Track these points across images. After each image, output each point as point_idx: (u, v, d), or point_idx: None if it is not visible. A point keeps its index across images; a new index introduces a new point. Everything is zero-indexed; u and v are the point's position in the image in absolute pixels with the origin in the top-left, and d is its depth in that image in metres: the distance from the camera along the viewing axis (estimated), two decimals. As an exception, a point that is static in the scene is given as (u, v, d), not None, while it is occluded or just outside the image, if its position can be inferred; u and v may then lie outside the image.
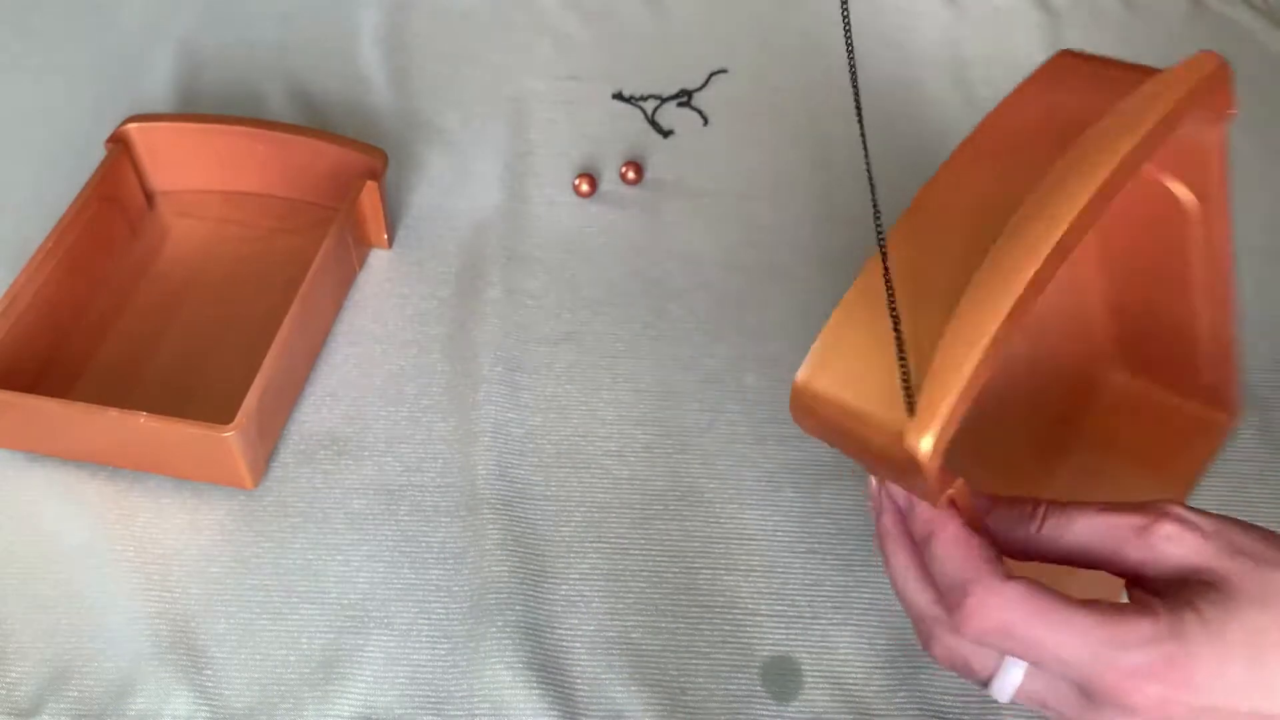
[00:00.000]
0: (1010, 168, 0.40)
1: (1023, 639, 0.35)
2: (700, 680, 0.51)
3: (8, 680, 0.51)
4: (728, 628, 0.53)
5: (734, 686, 0.51)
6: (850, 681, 0.51)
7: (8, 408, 0.55)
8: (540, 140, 0.75)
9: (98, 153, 0.66)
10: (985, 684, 0.38)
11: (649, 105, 0.77)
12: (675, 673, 0.51)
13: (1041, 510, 0.39)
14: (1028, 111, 0.42)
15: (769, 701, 0.51)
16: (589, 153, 0.74)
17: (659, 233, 0.69)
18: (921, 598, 0.39)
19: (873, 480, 0.42)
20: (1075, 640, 0.35)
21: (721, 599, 0.54)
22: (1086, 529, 0.38)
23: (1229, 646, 0.34)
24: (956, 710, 0.50)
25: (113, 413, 0.54)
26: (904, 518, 0.41)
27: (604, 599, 0.54)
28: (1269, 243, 0.70)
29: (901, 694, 0.51)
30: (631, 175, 0.72)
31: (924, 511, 0.39)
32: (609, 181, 0.72)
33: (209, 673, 0.51)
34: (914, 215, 0.40)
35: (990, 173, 0.41)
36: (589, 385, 0.62)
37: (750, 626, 0.53)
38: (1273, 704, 0.34)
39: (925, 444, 0.35)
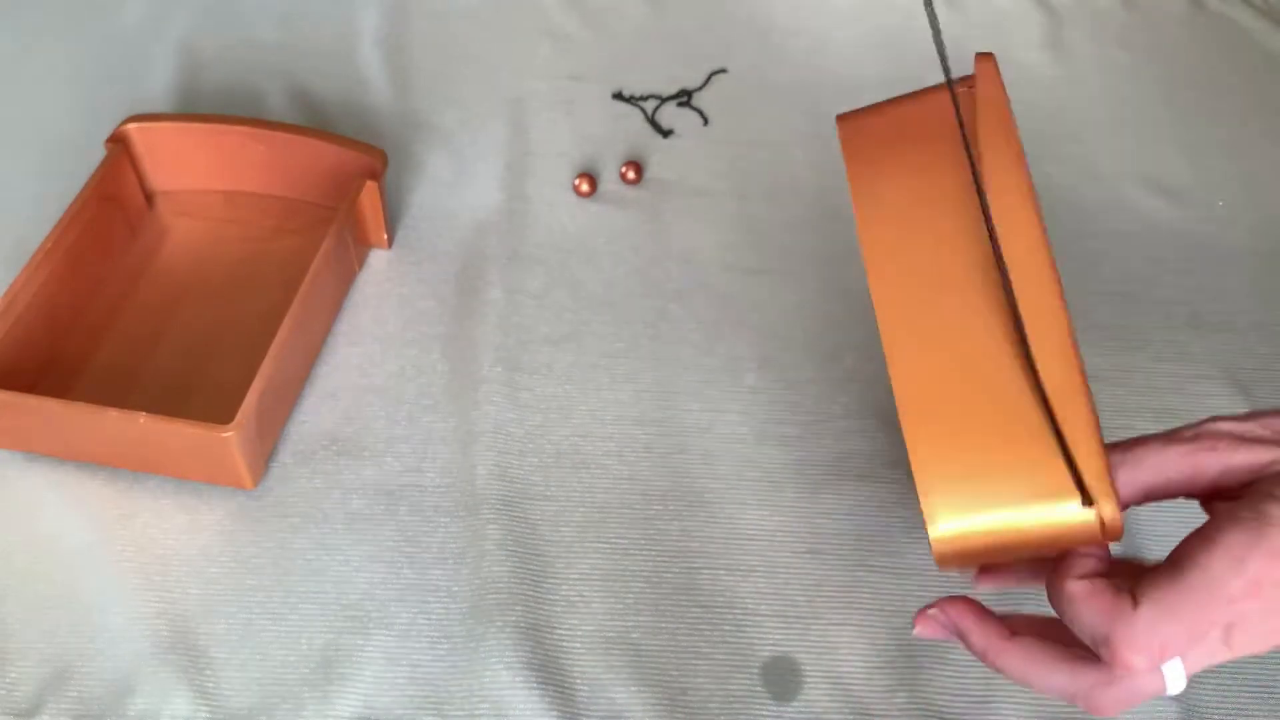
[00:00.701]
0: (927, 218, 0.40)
1: (1174, 643, 0.37)
2: (700, 680, 0.51)
3: (8, 680, 0.51)
4: (728, 628, 0.53)
5: (734, 686, 0.51)
6: (850, 681, 0.51)
7: (8, 408, 0.55)
8: (540, 140, 0.75)
9: (98, 153, 0.66)
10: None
11: (649, 105, 0.77)
12: (675, 673, 0.51)
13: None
14: (891, 186, 0.42)
15: (769, 701, 0.51)
16: (589, 153, 0.74)
17: (659, 233, 0.69)
18: (1063, 677, 0.39)
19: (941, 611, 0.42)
20: (1205, 598, 0.36)
21: (721, 599, 0.54)
22: (1155, 468, 0.39)
23: (1181, 608, 0.36)
24: (956, 710, 0.50)
25: (112, 413, 0.54)
26: (982, 618, 0.41)
27: (604, 599, 0.54)
28: (1268, 243, 0.70)
29: (901, 694, 0.51)
30: (631, 175, 0.72)
31: (1063, 583, 0.39)
32: (609, 181, 0.72)
33: (209, 673, 0.51)
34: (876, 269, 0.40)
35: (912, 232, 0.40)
36: (589, 385, 0.62)
37: (750, 626, 0.53)
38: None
39: (1112, 512, 0.37)
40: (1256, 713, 0.51)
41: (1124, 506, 0.40)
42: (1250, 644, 0.37)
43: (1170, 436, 0.40)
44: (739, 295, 0.66)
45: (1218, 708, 0.51)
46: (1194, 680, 0.52)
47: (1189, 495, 0.40)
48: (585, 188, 0.71)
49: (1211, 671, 0.52)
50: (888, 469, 0.58)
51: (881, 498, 0.57)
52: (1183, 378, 0.63)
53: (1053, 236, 0.75)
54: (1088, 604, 0.38)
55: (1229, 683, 0.51)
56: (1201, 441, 0.39)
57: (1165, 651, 0.37)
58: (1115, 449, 0.40)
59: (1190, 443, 0.39)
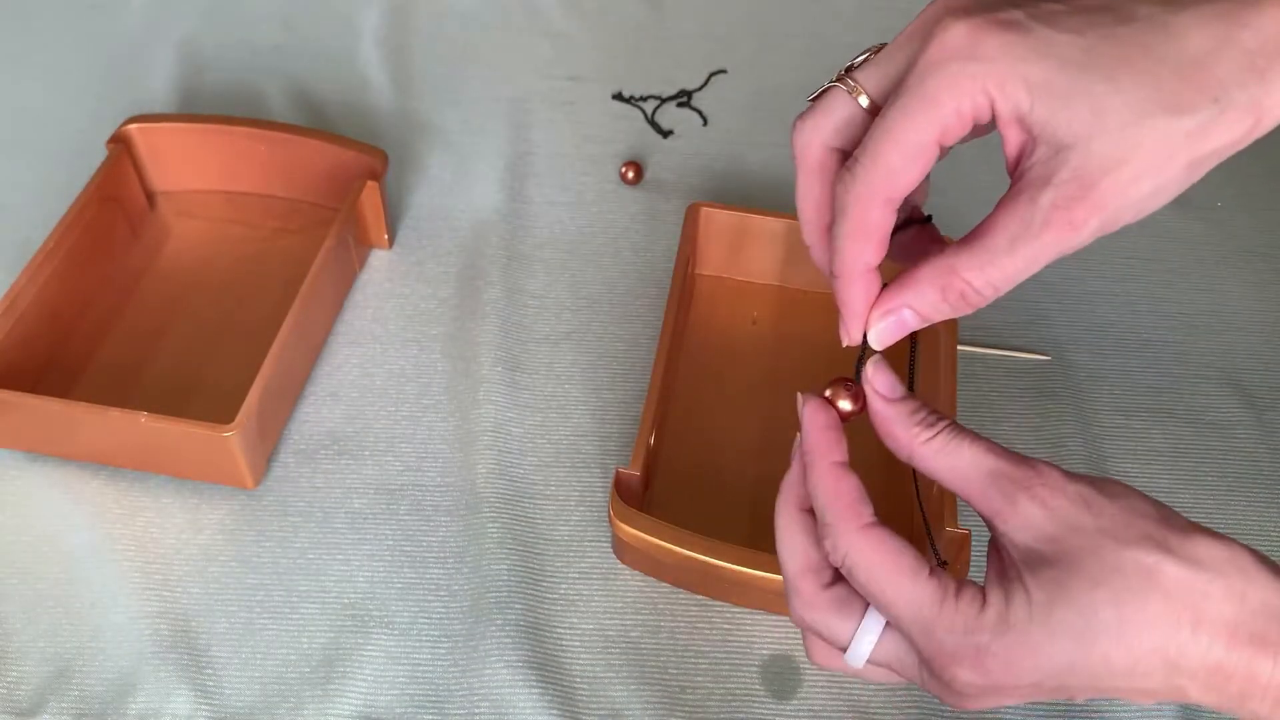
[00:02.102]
0: None
1: (864, 587, 0.36)
2: (700, 680, 0.51)
3: (9, 680, 0.51)
4: (728, 627, 0.53)
5: (733, 686, 0.51)
6: (850, 681, 0.51)
7: (9, 408, 0.55)
8: (540, 140, 0.75)
9: (98, 153, 0.66)
10: (844, 650, 0.38)
11: (649, 105, 0.78)
12: (675, 672, 0.52)
13: (941, 426, 0.38)
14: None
15: (768, 701, 0.51)
16: (589, 153, 0.74)
17: (659, 233, 0.69)
18: (795, 558, 0.39)
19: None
20: (906, 606, 0.36)
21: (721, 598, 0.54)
22: (969, 461, 0.37)
23: (1052, 631, 0.34)
24: (957, 710, 0.50)
25: (114, 412, 0.54)
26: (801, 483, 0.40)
27: (603, 599, 0.54)
28: (1268, 243, 0.70)
29: (901, 694, 0.51)
30: (631, 175, 0.72)
31: (809, 436, 0.39)
32: (609, 181, 0.72)
33: (209, 672, 0.51)
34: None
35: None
36: (589, 385, 0.62)
37: (750, 626, 0.53)
38: (1101, 679, 0.34)
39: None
40: (1255, 712, 0.51)
41: (919, 470, 0.39)
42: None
43: (1002, 452, 0.37)
44: (739, 295, 0.66)
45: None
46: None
47: (975, 508, 0.38)
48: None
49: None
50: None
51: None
52: (1182, 378, 0.63)
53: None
54: (833, 482, 0.38)
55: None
56: (1020, 475, 0.37)
57: (856, 586, 0.37)
58: (956, 429, 0.38)
59: (1012, 467, 0.37)
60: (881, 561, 0.36)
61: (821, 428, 0.39)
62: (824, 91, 0.40)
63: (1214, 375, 0.63)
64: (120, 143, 0.66)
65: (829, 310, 0.41)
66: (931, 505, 0.54)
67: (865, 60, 0.40)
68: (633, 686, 0.51)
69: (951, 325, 0.58)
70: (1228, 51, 0.35)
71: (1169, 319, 0.66)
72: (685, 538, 0.50)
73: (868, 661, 0.38)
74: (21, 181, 0.71)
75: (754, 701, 0.51)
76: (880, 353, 0.39)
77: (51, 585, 0.54)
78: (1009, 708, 0.51)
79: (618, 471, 0.53)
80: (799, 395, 0.40)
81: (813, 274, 0.63)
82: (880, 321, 0.39)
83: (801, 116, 0.41)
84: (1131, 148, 0.35)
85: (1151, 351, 0.64)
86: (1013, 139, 0.36)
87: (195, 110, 0.76)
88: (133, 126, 0.66)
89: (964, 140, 0.37)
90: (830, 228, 0.39)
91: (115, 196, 0.65)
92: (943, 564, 0.48)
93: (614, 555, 0.55)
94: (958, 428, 0.38)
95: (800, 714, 0.50)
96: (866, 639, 0.37)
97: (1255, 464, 0.59)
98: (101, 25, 0.82)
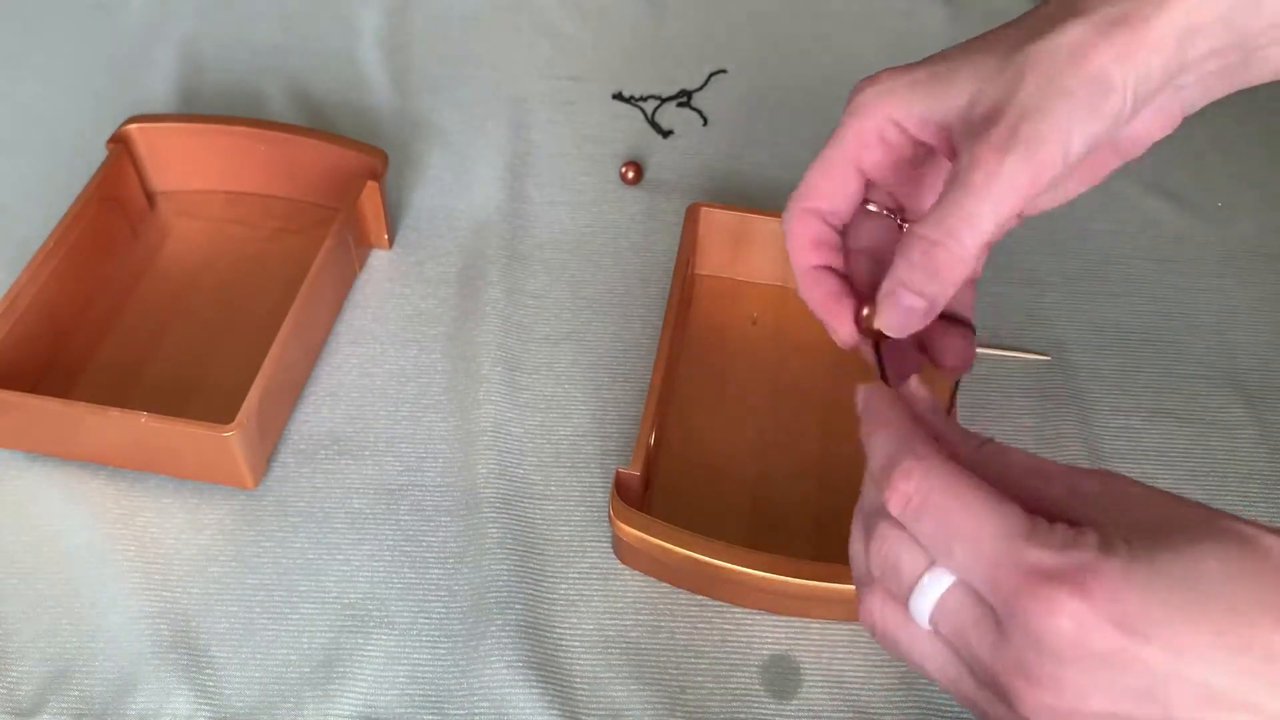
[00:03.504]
0: None
1: (936, 511, 0.32)
2: (700, 679, 0.51)
3: (9, 680, 0.51)
4: (728, 627, 0.53)
5: (733, 686, 0.51)
6: (850, 681, 0.51)
7: (9, 408, 0.55)
8: (540, 140, 0.75)
9: (98, 153, 0.66)
10: (907, 599, 0.34)
11: (649, 105, 0.78)
12: (675, 672, 0.52)
13: (986, 440, 0.36)
14: None
15: (768, 701, 0.51)
16: (589, 153, 0.74)
17: (659, 233, 0.69)
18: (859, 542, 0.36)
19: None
20: (988, 523, 0.31)
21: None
22: (1020, 466, 0.34)
23: (1157, 571, 0.29)
24: (956, 710, 0.50)
25: (114, 412, 0.54)
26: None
27: (603, 599, 0.54)
28: (1269, 243, 0.70)
29: (901, 694, 0.51)
30: (631, 175, 0.72)
31: (868, 398, 0.38)
32: (609, 181, 0.72)
33: (209, 672, 0.51)
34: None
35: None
36: (589, 385, 0.62)
37: (750, 626, 0.53)
38: (1214, 663, 0.28)
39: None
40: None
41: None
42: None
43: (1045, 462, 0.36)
44: (739, 295, 0.66)
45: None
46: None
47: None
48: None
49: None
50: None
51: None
52: (1182, 378, 0.63)
53: (1053, 237, 0.75)
54: (896, 426, 0.36)
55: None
56: (1071, 479, 0.35)
57: (924, 516, 0.33)
58: (997, 444, 0.36)
59: (1060, 470, 0.35)
60: (957, 486, 0.32)
61: (888, 400, 0.38)
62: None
63: (1215, 375, 0.63)
64: (120, 143, 0.66)
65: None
66: None
67: None
68: (633, 686, 0.51)
69: None
70: None
71: (1170, 319, 0.66)
72: (685, 538, 0.50)
73: (931, 621, 0.33)
74: (21, 181, 0.71)
75: (754, 701, 0.51)
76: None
77: (51, 585, 0.54)
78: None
79: (618, 471, 0.53)
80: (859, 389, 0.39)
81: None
82: (885, 308, 0.40)
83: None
84: (1019, 74, 0.38)
85: (1152, 351, 0.64)
86: (933, 138, 0.41)
87: (195, 110, 0.76)
88: (133, 126, 0.66)
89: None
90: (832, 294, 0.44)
91: (115, 196, 0.65)
92: None
93: (614, 555, 0.55)
94: (993, 442, 0.37)
95: (801, 714, 0.50)
96: (937, 583, 0.32)
97: (1256, 464, 0.59)
98: (101, 25, 0.82)
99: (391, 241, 0.68)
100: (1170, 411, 0.61)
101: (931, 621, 0.33)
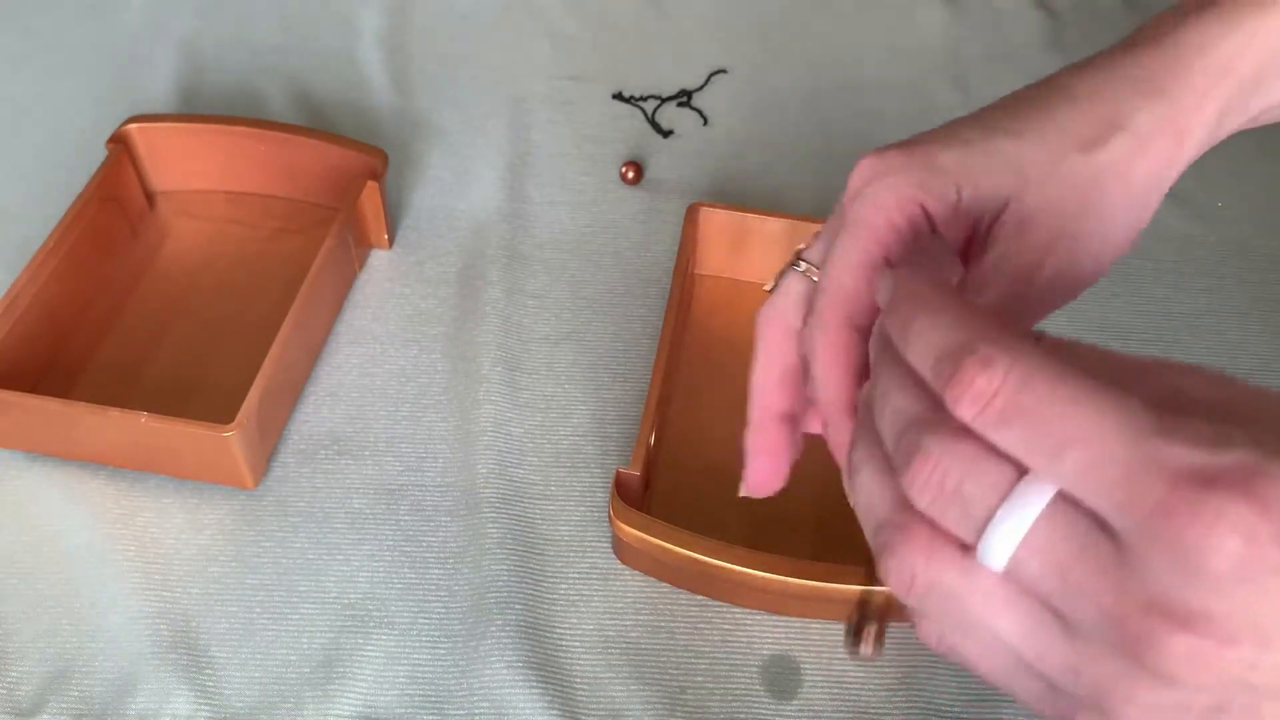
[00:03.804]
0: None
1: (1034, 408, 0.24)
2: (700, 680, 0.51)
3: (8, 680, 0.51)
4: (728, 627, 0.53)
5: (734, 686, 0.51)
6: (851, 681, 0.51)
7: (8, 408, 0.55)
8: (540, 140, 0.75)
9: (98, 153, 0.66)
10: (977, 538, 0.26)
11: (649, 105, 0.78)
12: (675, 672, 0.52)
13: (1040, 334, 0.31)
14: None
15: (768, 701, 0.51)
16: (589, 153, 0.74)
17: (659, 233, 0.69)
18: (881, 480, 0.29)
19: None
20: (1110, 418, 0.24)
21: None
22: (1099, 361, 0.28)
23: None
24: (956, 709, 0.50)
25: (114, 412, 0.54)
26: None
27: (603, 599, 0.54)
28: (1269, 244, 0.70)
29: (901, 694, 0.51)
30: (631, 175, 0.72)
31: (901, 281, 0.30)
32: (609, 181, 0.72)
33: (209, 672, 0.51)
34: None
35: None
36: (589, 385, 0.62)
37: (750, 626, 0.53)
38: None
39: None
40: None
41: None
42: None
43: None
44: (739, 295, 0.66)
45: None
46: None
47: None
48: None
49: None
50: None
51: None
52: (1182, 377, 0.63)
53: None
54: (955, 308, 0.28)
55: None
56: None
57: (1017, 420, 0.25)
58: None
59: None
60: (1062, 374, 0.25)
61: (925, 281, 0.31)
62: (778, 279, 0.40)
63: (1214, 375, 0.63)
64: (120, 143, 0.66)
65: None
66: None
67: (811, 241, 0.40)
68: (633, 687, 0.51)
69: None
70: (1113, 83, 0.37)
71: (1170, 319, 0.66)
72: (685, 537, 0.50)
73: (1011, 563, 0.25)
74: (21, 181, 0.71)
75: (754, 702, 0.51)
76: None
77: (51, 585, 0.54)
78: (1009, 709, 0.50)
79: (618, 471, 0.53)
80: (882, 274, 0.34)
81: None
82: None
83: (762, 305, 0.40)
84: (1059, 191, 0.35)
85: (1151, 351, 0.64)
86: (957, 233, 0.37)
87: (195, 110, 0.76)
88: (132, 126, 0.66)
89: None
90: (786, 414, 0.39)
91: (115, 196, 0.65)
92: None
93: (614, 555, 0.55)
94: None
95: (801, 714, 0.50)
96: (1026, 506, 0.25)
97: (1256, 464, 0.59)
98: (101, 25, 0.82)
99: (391, 241, 0.68)
100: (1170, 411, 0.61)
101: (1012, 564, 0.25)
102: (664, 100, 0.78)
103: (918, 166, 0.36)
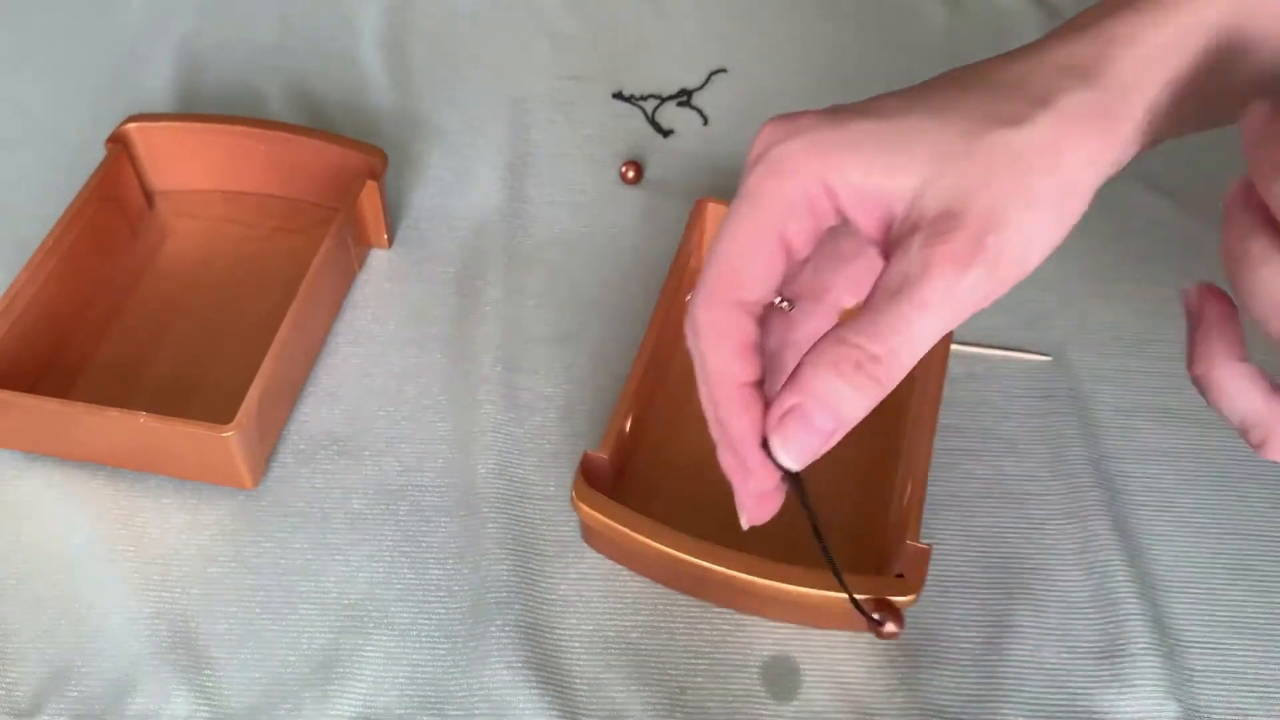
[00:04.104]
0: None
1: None
2: (700, 680, 0.51)
3: (8, 680, 0.51)
4: (727, 628, 0.53)
5: (734, 686, 0.51)
6: (850, 681, 0.51)
7: (8, 408, 0.55)
8: (540, 140, 0.75)
9: (98, 153, 0.66)
10: None
11: (649, 105, 0.77)
12: (675, 673, 0.51)
13: None
14: None
15: (769, 701, 0.51)
16: (589, 153, 0.74)
17: (659, 233, 0.69)
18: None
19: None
20: None
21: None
22: None
23: None
24: (956, 709, 0.50)
25: (113, 413, 0.54)
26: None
27: (603, 599, 0.54)
28: (1269, 243, 0.70)
29: (901, 694, 0.51)
30: (631, 175, 0.72)
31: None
32: (609, 181, 0.72)
33: (209, 673, 0.51)
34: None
35: None
36: (589, 385, 0.62)
37: (750, 626, 0.53)
38: None
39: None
40: (1256, 713, 0.51)
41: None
42: None
43: None
44: (739, 295, 0.66)
45: (1219, 709, 0.51)
46: (1195, 681, 0.52)
47: None
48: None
49: (1212, 674, 0.52)
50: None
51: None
52: (1184, 379, 0.63)
53: (1053, 236, 0.74)
54: None
55: (1231, 684, 0.51)
56: None
57: None
58: None
59: None
60: None
61: None
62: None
63: (1215, 375, 0.63)
64: (119, 142, 0.66)
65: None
66: (894, 517, 0.54)
67: None
68: (632, 687, 0.51)
69: None
70: (1040, 69, 0.35)
71: (1171, 319, 0.66)
72: (645, 524, 0.50)
73: None
74: (20, 181, 0.71)
75: (754, 702, 0.51)
76: None
77: (50, 585, 0.54)
78: (1008, 709, 0.50)
79: (585, 454, 0.53)
80: None
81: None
82: (784, 427, 0.34)
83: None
84: (984, 170, 0.33)
85: (1152, 351, 0.64)
86: (867, 215, 0.34)
87: (194, 110, 0.76)
88: (132, 126, 0.66)
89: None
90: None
91: (114, 196, 0.65)
92: (899, 576, 0.48)
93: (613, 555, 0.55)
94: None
95: (801, 715, 0.50)
96: None
97: (1257, 465, 0.59)
98: (101, 25, 0.82)
99: (391, 241, 0.68)
100: (1170, 411, 0.61)
101: None
102: (664, 100, 0.78)
103: (828, 127, 0.34)
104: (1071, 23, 0.36)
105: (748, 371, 0.36)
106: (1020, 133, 0.33)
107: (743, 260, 0.35)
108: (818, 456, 0.35)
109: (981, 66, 0.36)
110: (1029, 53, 0.36)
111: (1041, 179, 0.33)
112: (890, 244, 0.34)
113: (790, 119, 0.34)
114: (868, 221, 0.34)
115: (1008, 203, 0.33)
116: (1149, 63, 0.34)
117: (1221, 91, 0.36)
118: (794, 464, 0.35)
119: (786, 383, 0.34)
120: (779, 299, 0.39)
